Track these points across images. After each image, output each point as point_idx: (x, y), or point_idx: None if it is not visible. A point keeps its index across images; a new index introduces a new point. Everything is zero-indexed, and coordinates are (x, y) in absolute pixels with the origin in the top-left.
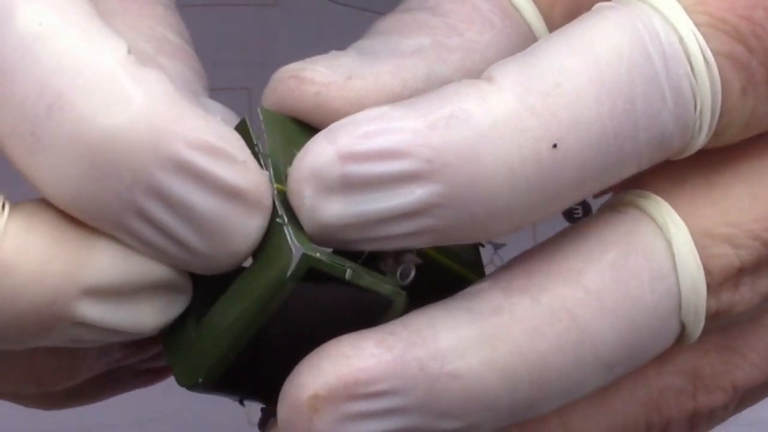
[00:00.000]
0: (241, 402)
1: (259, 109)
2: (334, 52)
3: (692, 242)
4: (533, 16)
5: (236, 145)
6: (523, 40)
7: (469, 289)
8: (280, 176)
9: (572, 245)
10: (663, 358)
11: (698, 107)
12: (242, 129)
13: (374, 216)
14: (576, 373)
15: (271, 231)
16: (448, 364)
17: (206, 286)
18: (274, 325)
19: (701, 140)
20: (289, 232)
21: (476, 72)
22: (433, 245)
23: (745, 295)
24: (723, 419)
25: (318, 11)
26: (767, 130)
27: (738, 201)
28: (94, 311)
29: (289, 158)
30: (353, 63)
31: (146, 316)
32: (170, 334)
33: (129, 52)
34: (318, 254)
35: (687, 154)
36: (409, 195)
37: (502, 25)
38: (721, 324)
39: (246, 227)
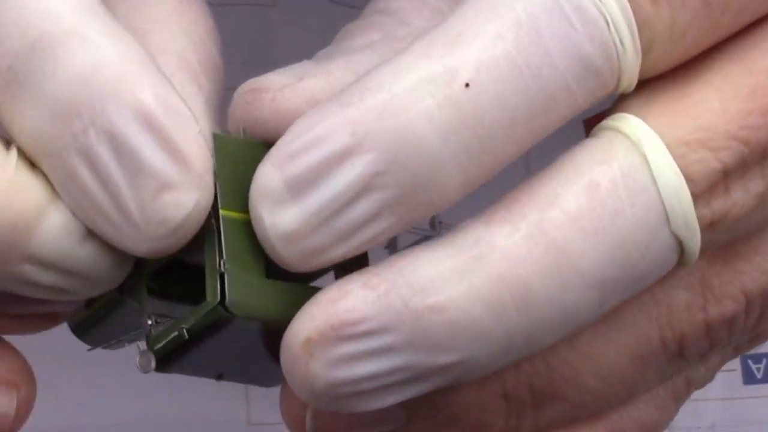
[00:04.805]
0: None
1: (212, 135)
2: (289, 66)
3: (667, 151)
4: None
5: (193, 118)
6: None
7: (454, 227)
8: (227, 202)
9: (550, 173)
10: (668, 273)
11: (610, 23)
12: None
13: (328, 206)
14: (563, 297)
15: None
16: (430, 298)
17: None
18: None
19: (630, 59)
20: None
21: None
22: (401, 226)
23: (738, 199)
24: (747, 332)
25: (318, 11)
26: (716, 39)
27: (709, 106)
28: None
29: (240, 182)
30: (306, 67)
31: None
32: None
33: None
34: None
35: (629, 79)
36: (349, 172)
37: (451, 12)
38: (723, 233)
39: (184, 199)
